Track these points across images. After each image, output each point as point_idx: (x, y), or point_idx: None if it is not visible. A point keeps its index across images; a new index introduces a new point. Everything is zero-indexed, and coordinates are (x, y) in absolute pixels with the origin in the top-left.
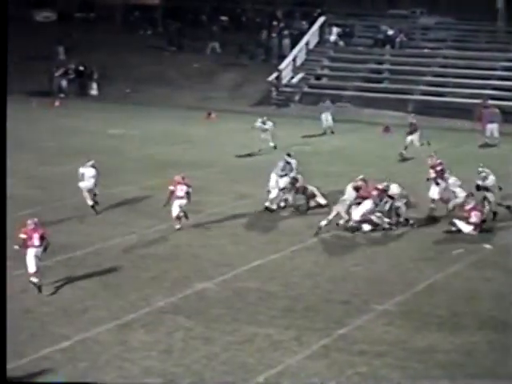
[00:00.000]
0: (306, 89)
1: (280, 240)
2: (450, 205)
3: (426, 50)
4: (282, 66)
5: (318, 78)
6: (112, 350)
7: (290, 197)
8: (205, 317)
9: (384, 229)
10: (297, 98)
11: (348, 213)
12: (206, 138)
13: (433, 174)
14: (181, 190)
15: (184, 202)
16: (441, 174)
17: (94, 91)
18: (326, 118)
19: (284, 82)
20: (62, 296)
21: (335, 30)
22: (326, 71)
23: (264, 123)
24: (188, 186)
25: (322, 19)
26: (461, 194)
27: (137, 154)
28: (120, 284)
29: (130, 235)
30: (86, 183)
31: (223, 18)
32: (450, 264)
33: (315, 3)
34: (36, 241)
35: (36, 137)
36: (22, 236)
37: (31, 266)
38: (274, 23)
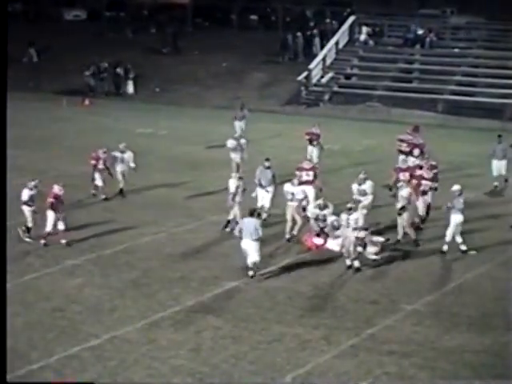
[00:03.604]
0: (336, 88)
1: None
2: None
3: (456, 50)
4: (311, 66)
5: (348, 77)
6: (141, 348)
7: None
8: (233, 316)
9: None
10: (326, 97)
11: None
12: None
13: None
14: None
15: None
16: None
17: (130, 90)
18: (240, 126)
19: (314, 81)
20: (91, 295)
21: (365, 29)
22: (355, 71)
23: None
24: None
25: (351, 19)
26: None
27: (165, 154)
28: (149, 283)
29: (159, 234)
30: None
31: (253, 17)
32: (478, 264)
33: (345, 3)
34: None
35: (65, 135)
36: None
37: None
38: (304, 23)
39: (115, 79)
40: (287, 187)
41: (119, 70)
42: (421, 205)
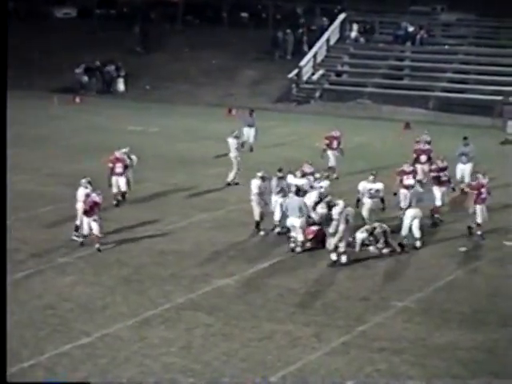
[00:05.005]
0: (327, 85)
1: None
2: None
3: (446, 47)
4: (302, 63)
5: (339, 74)
6: (132, 346)
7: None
8: (224, 313)
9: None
10: (317, 94)
11: None
12: (226, 135)
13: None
14: (119, 167)
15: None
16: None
17: (121, 87)
18: (249, 134)
19: (304, 78)
20: (82, 292)
21: (356, 26)
22: (346, 68)
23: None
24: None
25: (342, 16)
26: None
27: (157, 151)
28: (140, 280)
29: (150, 231)
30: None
31: (243, 14)
32: (470, 260)
33: (335, 0)
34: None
35: (58, 134)
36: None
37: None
38: (294, 20)
39: (106, 77)
40: (290, 179)
41: (110, 68)
42: (485, 212)
